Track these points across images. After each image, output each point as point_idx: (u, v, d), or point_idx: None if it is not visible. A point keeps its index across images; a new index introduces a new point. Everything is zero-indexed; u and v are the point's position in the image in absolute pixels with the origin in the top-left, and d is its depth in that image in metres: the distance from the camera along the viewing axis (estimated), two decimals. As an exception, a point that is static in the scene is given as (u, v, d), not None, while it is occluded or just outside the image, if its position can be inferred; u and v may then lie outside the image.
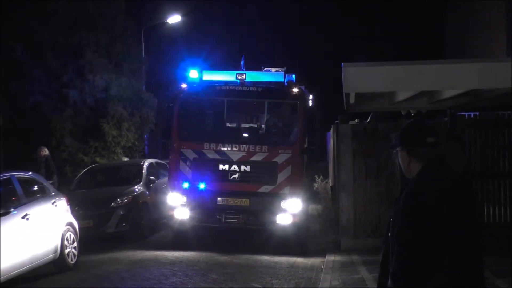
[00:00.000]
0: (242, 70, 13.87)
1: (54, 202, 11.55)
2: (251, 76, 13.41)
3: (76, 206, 12.97)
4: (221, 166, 12.83)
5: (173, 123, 13.29)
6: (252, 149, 12.84)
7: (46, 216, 11.01)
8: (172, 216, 13.17)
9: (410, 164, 4.02)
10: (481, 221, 3.72)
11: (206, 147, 12.91)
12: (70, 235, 11.70)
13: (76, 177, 16.79)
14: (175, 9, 25.72)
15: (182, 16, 26.18)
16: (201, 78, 13.43)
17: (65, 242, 11.45)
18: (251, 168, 12.79)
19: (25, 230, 10.21)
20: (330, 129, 15.99)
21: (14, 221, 9.97)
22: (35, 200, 10.98)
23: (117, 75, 22.40)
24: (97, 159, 21.42)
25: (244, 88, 13.16)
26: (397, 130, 12.19)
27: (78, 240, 12.05)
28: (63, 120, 21.21)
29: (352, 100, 10.08)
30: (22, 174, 11.31)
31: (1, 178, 10.43)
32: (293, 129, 13.22)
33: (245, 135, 14.08)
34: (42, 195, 11.35)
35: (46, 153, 15.89)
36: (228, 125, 14.37)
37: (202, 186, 12.82)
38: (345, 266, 10.87)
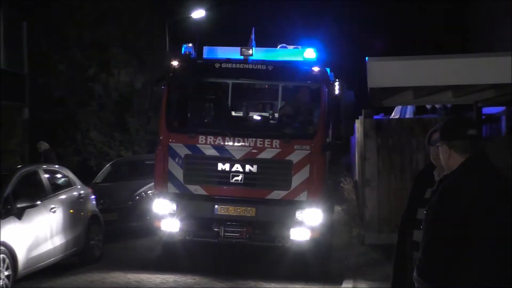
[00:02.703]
0: (253, 46, 11.18)
1: (80, 195, 11.70)
2: (261, 53, 10.97)
3: (101, 199, 13.08)
4: (220, 166, 10.18)
5: (160, 111, 10.62)
6: (260, 144, 10.18)
7: (71, 209, 11.14)
8: (158, 228, 10.54)
9: (450, 158, 3.95)
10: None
11: (202, 140, 10.24)
12: (95, 228, 11.83)
13: (101, 171, 16.93)
14: (198, 4, 25.78)
15: (206, 10, 26.25)
16: (197, 54, 11.12)
17: (90, 235, 11.60)
18: (258, 168, 10.17)
19: (51, 222, 10.36)
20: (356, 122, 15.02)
21: (41, 213, 10.11)
22: (61, 192, 11.12)
23: (141, 69, 22.56)
24: (122, 152, 21.60)
25: (250, 66, 10.45)
26: (421, 125, 12.22)
27: (102, 233, 12.19)
28: (88, 114, 21.44)
29: (376, 95, 10.09)
30: (49, 167, 11.48)
31: (28, 171, 10.62)
32: (313, 119, 10.80)
33: (251, 126, 11.24)
34: (68, 187, 11.48)
35: (45, 147, 16.12)
36: (230, 113, 11.71)
37: (196, 190, 10.30)
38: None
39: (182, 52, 10.85)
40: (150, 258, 11.21)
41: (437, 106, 15.39)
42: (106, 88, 22.05)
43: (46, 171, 11.05)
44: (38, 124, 22.14)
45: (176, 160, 10.33)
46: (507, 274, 3.79)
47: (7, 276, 8.97)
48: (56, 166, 11.88)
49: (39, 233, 9.93)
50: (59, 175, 11.54)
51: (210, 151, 10.26)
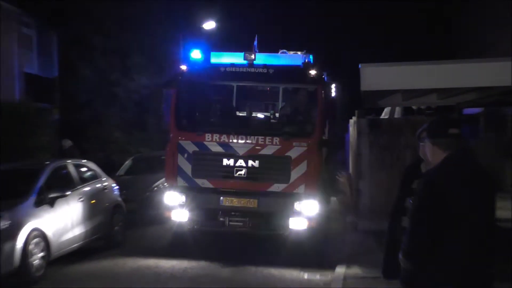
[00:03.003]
0: (256, 52, 10.98)
1: (105, 186, 11.76)
2: (263, 58, 10.73)
3: (123, 190, 13.15)
4: (225, 161, 10.09)
5: (170, 111, 10.52)
6: (262, 141, 10.03)
7: (97, 199, 11.20)
8: (169, 218, 10.55)
9: (434, 154, 4.03)
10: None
11: (208, 138, 10.15)
12: (118, 216, 11.89)
13: (123, 165, 16.99)
14: (210, 15, 25.79)
15: (216, 22, 26.26)
16: (204, 59, 10.88)
17: (114, 222, 11.66)
18: (260, 163, 10.02)
19: (79, 211, 10.43)
20: (349, 121, 14.91)
21: (70, 203, 10.18)
22: (88, 184, 11.19)
23: (158, 74, 22.59)
24: (141, 149, 21.66)
25: (253, 70, 10.28)
26: (409, 125, 12.23)
27: (125, 220, 12.25)
28: (111, 115, 21.52)
29: (368, 97, 10.12)
30: (77, 162, 11.55)
31: (59, 165, 10.69)
32: (310, 118, 10.51)
33: (254, 125, 11.10)
34: (94, 180, 11.54)
35: (69, 144, 16.28)
36: (234, 113, 11.49)
37: (203, 184, 10.22)
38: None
39: (191, 57, 10.75)
40: (163, 244, 11.16)
41: (422, 107, 15.38)
42: (127, 91, 22.10)
43: (74, 165, 11.13)
44: (66, 123, 22.24)
45: (185, 156, 10.20)
46: (483, 256, 3.85)
47: (42, 257, 9.06)
48: (83, 160, 11.92)
49: (68, 220, 10.02)
50: (86, 169, 11.59)
51: (216, 148, 10.14)
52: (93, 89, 21.62)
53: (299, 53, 10.88)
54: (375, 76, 8.21)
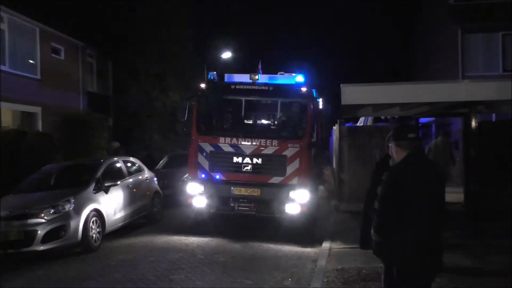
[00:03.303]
0: (260, 73, 10.85)
1: (146, 177, 11.77)
2: (265, 78, 10.61)
3: (161, 180, 13.17)
4: (235, 159, 9.92)
5: (192, 119, 10.37)
6: (264, 143, 9.87)
7: (141, 186, 11.23)
8: (190, 204, 10.29)
9: (397, 153, 4.04)
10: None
11: (222, 141, 10.00)
12: (157, 200, 11.90)
13: (161, 161, 17.00)
14: (227, 47, 25.79)
15: (232, 52, 26.23)
16: (218, 79, 10.75)
17: (154, 204, 11.67)
18: (262, 160, 9.87)
19: (127, 196, 10.45)
20: (333, 127, 14.77)
21: (120, 190, 10.21)
22: (134, 175, 11.20)
23: (187, 92, 22.58)
24: (175, 148, 21.66)
25: (256, 87, 10.26)
26: (377, 130, 12.17)
27: (162, 203, 12.26)
28: (152, 123, 21.53)
29: (346, 109, 10.06)
30: (126, 159, 11.57)
31: (112, 161, 10.72)
32: (302, 125, 10.22)
33: (257, 130, 10.79)
34: (139, 172, 11.56)
35: (117, 146, 16.38)
36: (243, 121, 11.10)
37: (217, 176, 10.05)
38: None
39: (208, 77, 10.67)
40: (190, 222, 10.94)
41: (388, 117, 15.31)
42: (164, 105, 22.09)
43: (123, 161, 11.15)
44: (118, 129, 22.30)
45: (204, 154, 10.06)
46: (434, 232, 3.86)
47: (98, 232, 9.08)
48: (131, 158, 11.94)
49: (119, 203, 10.05)
50: (132, 164, 11.63)
51: (228, 148, 9.95)
52: (138, 103, 21.65)
53: (293, 74, 10.58)
54: (352, 94, 8.16)
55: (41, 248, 8.07)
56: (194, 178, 10.18)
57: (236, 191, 9.91)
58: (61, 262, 8.15)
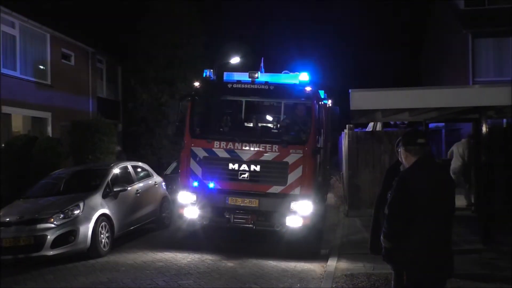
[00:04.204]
0: (261, 71, 9.88)
1: (155, 182, 11.79)
2: (267, 76, 9.52)
3: (169, 185, 13.18)
4: (231, 165, 8.91)
5: (185, 121, 9.50)
6: (263, 148, 8.89)
7: (150, 192, 11.23)
8: (181, 215, 9.30)
9: (406, 158, 4.03)
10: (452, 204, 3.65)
11: (216, 145, 9.03)
12: (165, 205, 11.91)
13: (170, 166, 17.03)
14: (235, 53, 25.82)
15: (241, 57, 26.29)
16: (215, 78, 9.74)
17: (162, 209, 11.68)
18: (261, 168, 8.85)
19: (136, 201, 10.47)
20: (342, 132, 14.54)
21: (129, 195, 10.23)
22: (143, 181, 11.21)
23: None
24: (184, 154, 21.67)
25: (255, 86, 9.19)
26: (386, 136, 12.13)
27: (170, 208, 12.26)
28: (161, 129, 21.61)
29: (356, 114, 10.03)
30: (134, 163, 11.60)
31: (121, 166, 10.75)
32: (305, 129, 9.26)
33: (256, 134, 9.63)
34: (148, 177, 11.58)
35: (118, 149, 16.68)
36: (240, 123, 10.13)
37: (211, 185, 9.02)
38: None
39: (203, 75, 9.61)
40: (199, 226, 9.99)
41: (397, 122, 15.24)
42: (173, 111, 22.14)
43: (132, 166, 11.18)
44: (128, 134, 22.43)
45: (197, 160, 9.11)
46: (444, 237, 3.85)
47: (107, 237, 9.11)
48: (139, 163, 11.97)
49: (128, 208, 10.07)
50: (141, 169, 11.63)
51: (223, 154, 9.01)
52: (147, 109, 21.74)
53: (297, 73, 9.47)
54: (361, 99, 8.12)
55: (51, 253, 8.12)
56: (186, 186, 9.21)
57: (232, 201, 8.91)
58: (70, 267, 8.19)
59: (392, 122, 15.53)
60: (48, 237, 8.10)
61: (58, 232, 8.20)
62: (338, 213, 13.17)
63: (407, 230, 3.73)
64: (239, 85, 9.30)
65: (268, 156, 8.89)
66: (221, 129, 9.69)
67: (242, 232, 9.41)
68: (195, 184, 9.11)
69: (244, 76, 9.40)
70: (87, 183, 9.90)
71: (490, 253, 7.92)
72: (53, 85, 18.54)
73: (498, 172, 8.97)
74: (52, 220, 8.29)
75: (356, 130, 13.32)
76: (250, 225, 8.87)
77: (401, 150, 4.13)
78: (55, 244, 8.15)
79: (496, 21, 19.64)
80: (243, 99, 9.73)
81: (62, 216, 8.39)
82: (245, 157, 8.92)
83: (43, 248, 8.06)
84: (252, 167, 8.89)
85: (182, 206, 9.21)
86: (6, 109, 15.97)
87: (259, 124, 10.35)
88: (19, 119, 17.19)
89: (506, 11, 19.76)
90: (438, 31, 24.25)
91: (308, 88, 9.08)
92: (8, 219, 8.40)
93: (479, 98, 7.89)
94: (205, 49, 23.80)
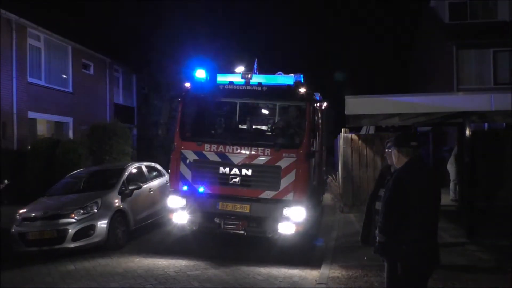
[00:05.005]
0: (255, 73, 8.75)
1: (167, 181, 11.74)
2: (260, 77, 8.35)
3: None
4: (221, 169, 7.95)
5: (175, 123, 8.61)
6: (255, 151, 7.91)
7: (161, 189, 11.20)
8: (170, 219, 8.39)
9: (399, 159, 4.03)
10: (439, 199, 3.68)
11: (207, 148, 8.09)
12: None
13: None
14: (241, 62, 25.82)
15: (244, 67, 26.30)
16: (207, 78, 8.51)
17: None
18: (252, 172, 7.86)
19: (150, 198, 10.47)
20: (337, 135, 14.45)
21: (143, 192, 10.23)
22: (155, 179, 11.20)
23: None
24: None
25: (248, 87, 8.20)
26: (378, 138, 12.11)
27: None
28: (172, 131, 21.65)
29: (351, 119, 10.03)
30: (147, 164, 11.61)
31: (136, 166, 10.76)
32: (299, 132, 8.27)
33: (248, 137, 8.54)
34: (160, 176, 11.57)
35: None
36: (232, 126, 9.25)
37: (202, 189, 8.05)
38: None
39: (195, 76, 8.50)
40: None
41: (388, 126, 15.22)
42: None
43: (146, 166, 11.18)
44: (142, 137, 22.48)
45: (186, 163, 8.20)
46: (432, 231, 3.88)
47: (123, 231, 9.12)
48: (152, 163, 11.97)
49: (142, 204, 10.07)
50: (153, 169, 11.60)
51: (214, 157, 8.04)
52: (160, 113, 21.77)
53: (292, 75, 8.44)
54: (355, 105, 8.11)
55: (72, 245, 8.15)
56: (175, 190, 8.27)
57: (222, 206, 7.93)
58: (89, 258, 8.20)
59: (384, 126, 15.49)
60: (70, 231, 8.13)
61: (78, 227, 8.23)
62: (335, 211, 13.13)
63: (401, 224, 3.75)
64: (231, 87, 8.32)
65: (260, 160, 7.91)
66: (212, 132, 8.88)
67: (233, 238, 8.47)
68: (185, 188, 8.18)
69: (237, 77, 8.37)
70: (104, 181, 9.91)
71: (473, 246, 7.90)
72: (74, 93, 18.62)
73: (480, 171, 8.95)
74: (73, 215, 8.32)
75: (350, 133, 13.30)
76: (241, 231, 7.89)
77: (393, 150, 4.13)
78: (76, 237, 8.18)
79: (478, 34, 19.68)
80: (236, 101, 8.97)
81: (82, 212, 8.42)
82: (237, 161, 7.96)
83: (65, 241, 8.09)
84: (244, 171, 7.91)
85: (172, 211, 8.26)
86: (32, 114, 16.09)
87: (251, 127, 9.47)
88: (43, 124, 17.28)
89: (486, 25, 19.86)
90: (425, 42, 24.23)
91: (302, 90, 8.07)
92: (33, 214, 8.46)
93: (463, 104, 7.89)
94: (215, 59, 23.83)
